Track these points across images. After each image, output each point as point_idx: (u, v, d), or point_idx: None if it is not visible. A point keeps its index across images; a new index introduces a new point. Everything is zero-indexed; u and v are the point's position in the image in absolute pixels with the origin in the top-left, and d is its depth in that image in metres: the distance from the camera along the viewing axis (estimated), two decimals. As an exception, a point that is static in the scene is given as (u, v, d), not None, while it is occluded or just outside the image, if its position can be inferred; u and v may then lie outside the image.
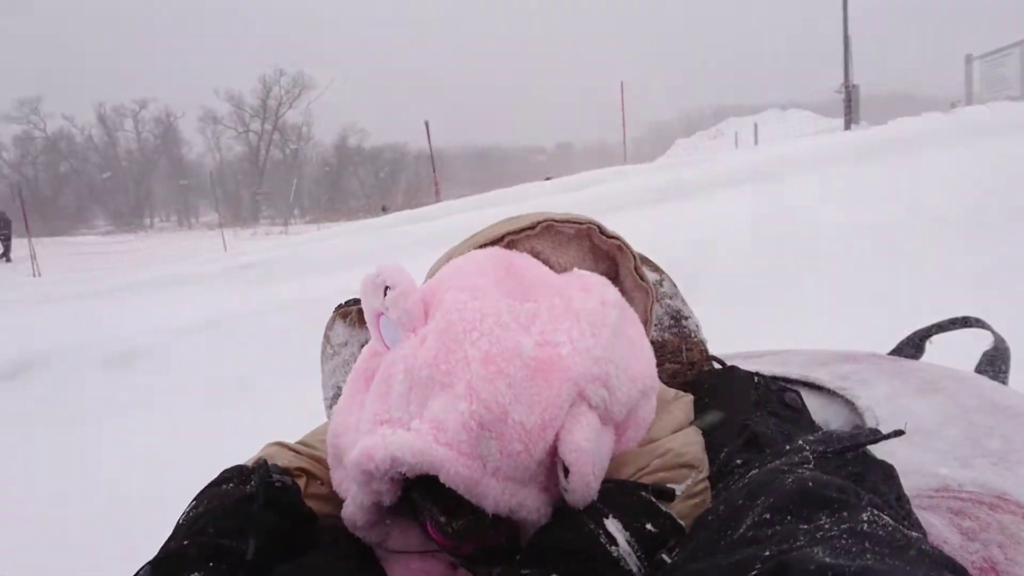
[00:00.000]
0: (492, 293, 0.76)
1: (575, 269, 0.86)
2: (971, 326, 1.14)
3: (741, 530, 0.57)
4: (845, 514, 0.54)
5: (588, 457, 0.68)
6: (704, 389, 0.93)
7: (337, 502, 0.81)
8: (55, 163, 57.60)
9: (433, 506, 0.69)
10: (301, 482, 0.82)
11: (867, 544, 0.50)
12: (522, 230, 0.91)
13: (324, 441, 0.85)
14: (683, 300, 1.21)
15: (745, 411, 0.85)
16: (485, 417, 0.67)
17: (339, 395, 1.27)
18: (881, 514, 0.54)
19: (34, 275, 15.70)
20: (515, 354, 0.70)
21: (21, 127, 54.95)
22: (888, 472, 0.64)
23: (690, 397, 0.88)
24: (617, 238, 0.94)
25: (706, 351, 1.13)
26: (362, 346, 1.26)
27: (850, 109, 19.39)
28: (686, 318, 1.18)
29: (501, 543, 0.74)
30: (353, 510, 0.76)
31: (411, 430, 0.69)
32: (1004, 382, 1.06)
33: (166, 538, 0.75)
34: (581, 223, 0.92)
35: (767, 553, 0.50)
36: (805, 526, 0.53)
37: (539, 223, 0.91)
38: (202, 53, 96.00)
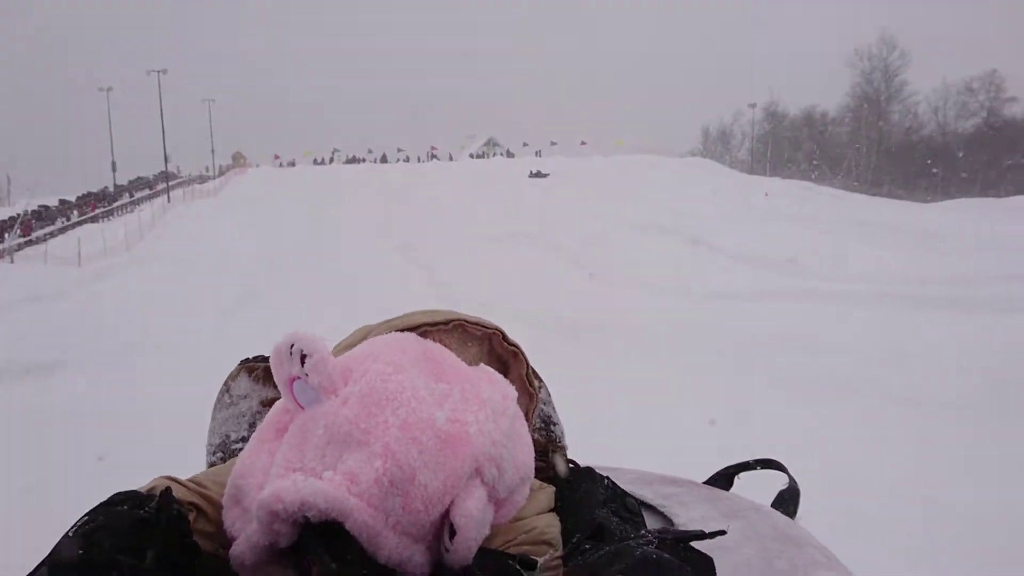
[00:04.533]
0: (412, 370, 0.83)
1: (481, 364, 0.94)
2: (773, 468, 1.35)
3: None
4: None
5: (474, 524, 0.76)
6: (564, 484, 1.03)
7: (221, 541, 0.83)
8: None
9: (326, 554, 0.73)
10: (190, 516, 0.84)
11: None
12: (436, 324, 1.02)
13: (215, 481, 0.89)
14: (554, 408, 1.31)
15: (595, 507, 0.94)
16: (396, 476, 0.74)
17: (225, 443, 1.32)
18: None
19: None
20: (429, 425, 0.77)
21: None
22: (708, 563, 0.75)
23: (553, 488, 1.00)
24: (516, 346, 1.07)
25: (566, 456, 1.22)
26: (261, 402, 1.33)
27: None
28: (555, 424, 1.29)
29: None
30: (244, 549, 0.79)
31: (324, 479, 0.74)
32: (793, 517, 1.26)
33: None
34: (488, 328, 1.05)
35: None
36: None
37: (452, 321, 1.04)
38: None
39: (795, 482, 1.31)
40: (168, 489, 0.82)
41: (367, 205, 30.92)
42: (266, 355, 1.31)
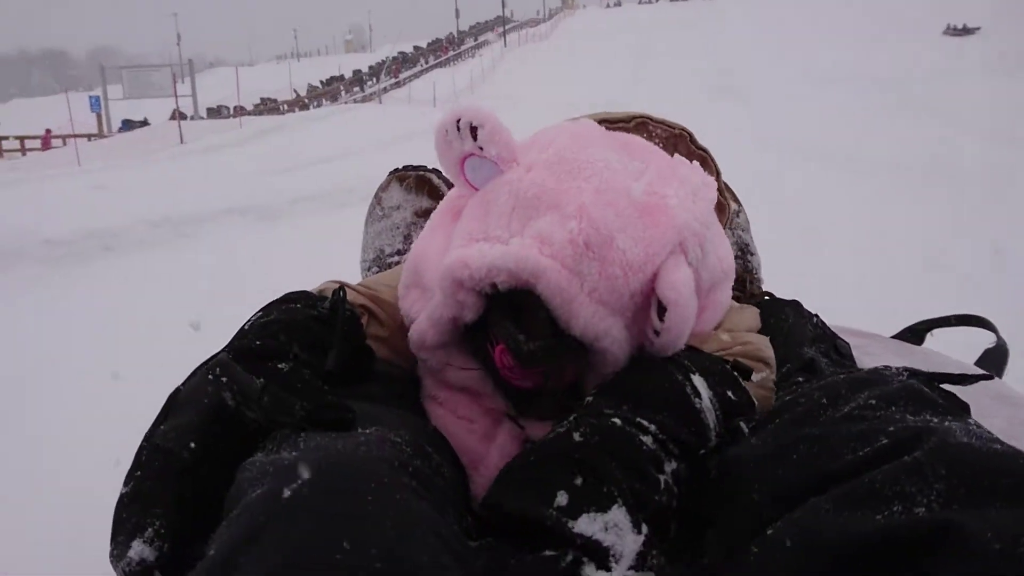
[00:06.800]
0: (604, 144, 0.75)
1: (675, 155, 0.82)
2: (976, 325, 1.15)
3: (845, 411, 0.55)
4: (951, 416, 0.53)
5: (685, 299, 0.67)
6: (770, 312, 0.92)
7: (393, 345, 0.80)
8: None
9: (513, 325, 0.68)
10: (363, 320, 0.81)
11: (987, 436, 0.48)
12: (618, 121, 0.93)
13: (385, 284, 0.85)
14: (751, 237, 1.19)
15: (804, 342, 0.86)
16: (593, 238, 0.66)
17: (380, 258, 1.22)
18: (982, 426, 0.53)
19: None
20: (625, 193, 0.68)
21: None
22: (965, 409, 0.59)
23: (756, 309, 0.89)
24: (705, 150, 0.94)
25: (761, 289, 1.13)
26: (415, 212, 1.24)
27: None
28: (752, 254, 1.17)
29: (562, 387, 0.72)
30: (426, 327, 0.74)
31: (510, 245, 0.68)
32: (1000, 377, 1.10)
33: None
34: (675, 128, 0.94)
35: (891, 428, 0.49)
36: (912, 417, 0.52)
37: (635, 118, 0.93)
38: None
39: (1003, 340, 1.16)
40: (341, 289, 0.79)
41: (683, 41, 30.00)
42: (416, 164, 1.28)
